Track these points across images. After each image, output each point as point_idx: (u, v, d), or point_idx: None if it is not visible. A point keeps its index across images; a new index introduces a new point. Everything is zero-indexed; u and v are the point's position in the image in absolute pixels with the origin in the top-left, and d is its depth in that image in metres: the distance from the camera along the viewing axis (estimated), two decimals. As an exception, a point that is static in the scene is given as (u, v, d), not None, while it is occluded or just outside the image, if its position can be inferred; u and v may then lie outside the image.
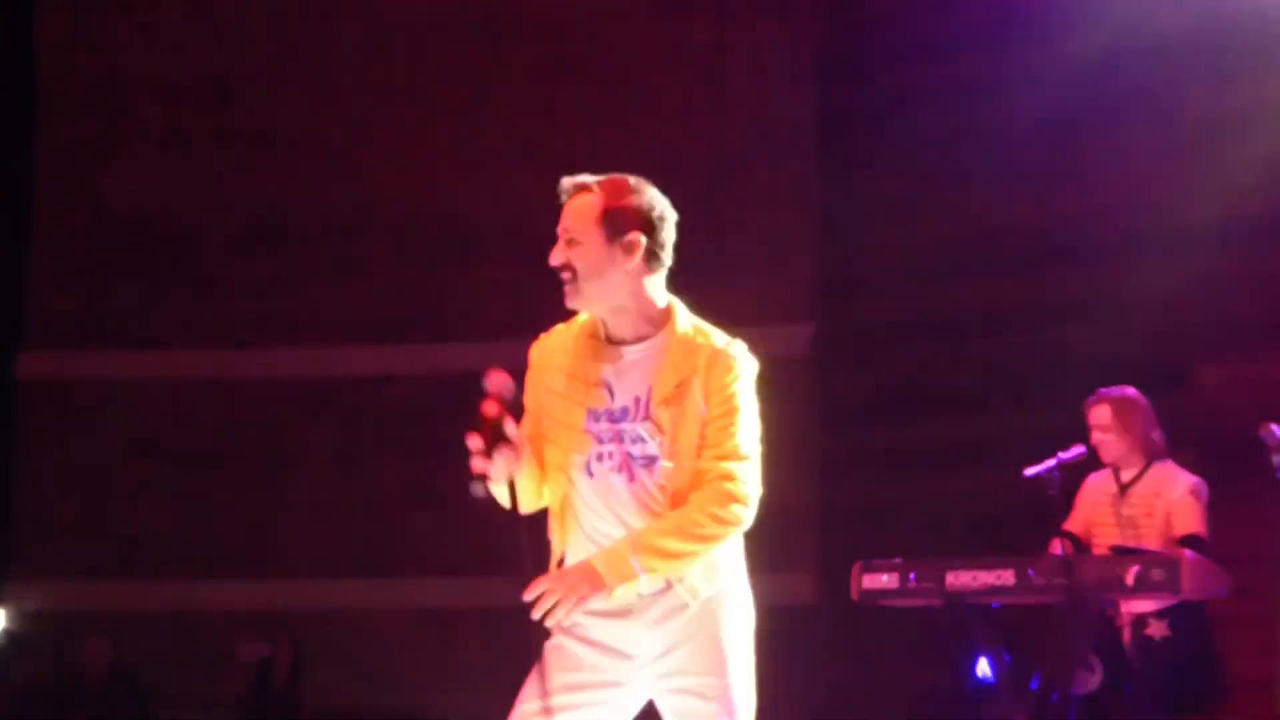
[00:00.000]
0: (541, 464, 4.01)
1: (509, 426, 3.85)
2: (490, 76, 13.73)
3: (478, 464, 3.81)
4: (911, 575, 7.27)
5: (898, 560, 7.35)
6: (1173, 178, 10.21)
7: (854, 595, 7.42)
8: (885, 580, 7.31)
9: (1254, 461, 6.98)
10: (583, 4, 13.68)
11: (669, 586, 3.98)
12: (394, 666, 13.10)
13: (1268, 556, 6.93)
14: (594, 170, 4.07)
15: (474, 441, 3.82)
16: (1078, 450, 7.55)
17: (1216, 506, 9.00)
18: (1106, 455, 7.64)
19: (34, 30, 14.11)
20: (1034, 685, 7.41)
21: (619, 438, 3.92)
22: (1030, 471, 7.63)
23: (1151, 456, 7.66)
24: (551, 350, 4.05)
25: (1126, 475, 7.66)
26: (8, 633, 13.10)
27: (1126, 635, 7.40)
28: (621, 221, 3.90)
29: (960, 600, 7.24)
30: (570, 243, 3.91)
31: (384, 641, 13.19)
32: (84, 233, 14.04)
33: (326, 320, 13.68)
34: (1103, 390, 7.71)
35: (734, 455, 3.92)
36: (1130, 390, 7.72)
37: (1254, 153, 9.94)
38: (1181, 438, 9.72)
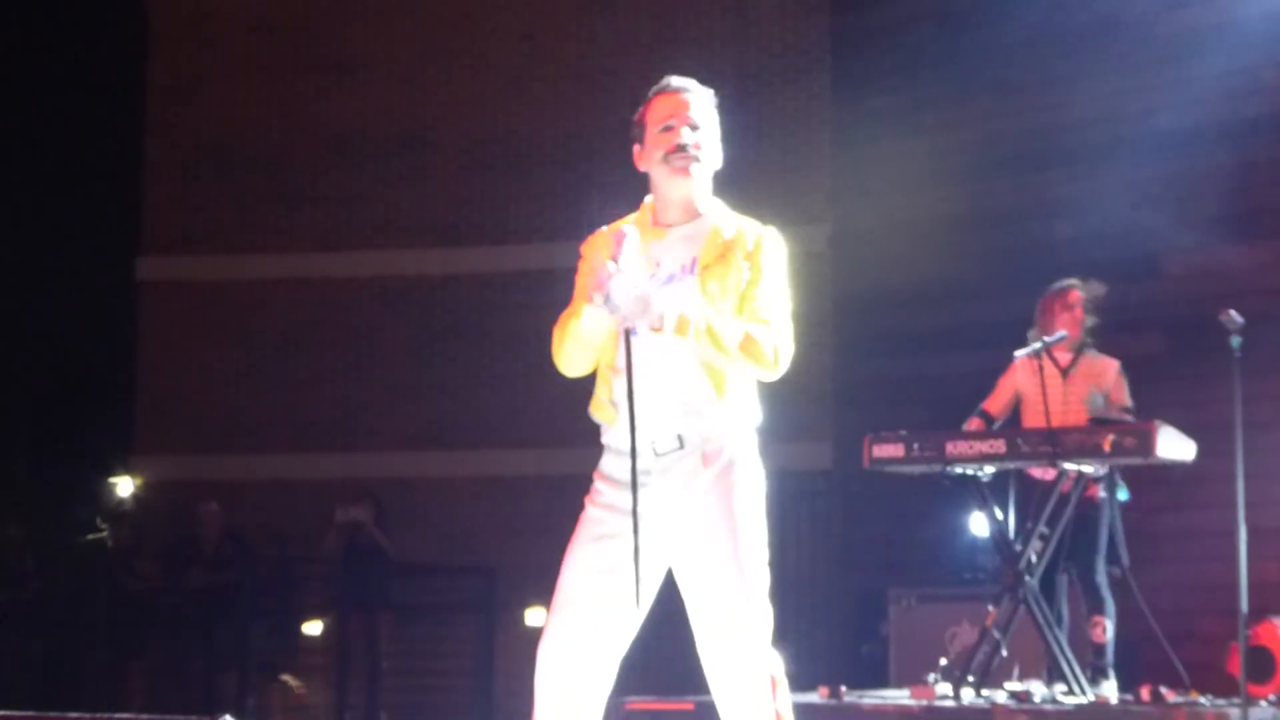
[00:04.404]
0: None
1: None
2: (541, 9, 13.61)
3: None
4: (915, 445, 7.25)
5: (903, 432, 7.32)
6: (1143, 90, 10.10)
7: (865, 463, 7.41)
8: (892, 449, 7.29)
9: (1215, 341, 6.94)
10: (623, -55, 13.53)
11: (682, 447, 3.89)
12: (465, 526, 13.17)
13: (1228, 422, 6.86)
14: (636, 90, 4.09)
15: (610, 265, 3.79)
16: (1059, 334, 7.49)
17: (1183, 379, 8.95)
18: (1075, 330, 7.55)
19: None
20: (1016, 540, 7.40)
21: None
22: (1020, 353, 7.57)
23: (1084, 345, 7.60)
24: (602, 244, 3.99)
25: (1064, 359, 7.57)
26: (135, 499, 13.18)
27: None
28: (717, 119, 4.05)
29: (958, 466, 7.22)
30: (696, 128, 3.99)
31: (456, 505, 13.25)
32: (190, 152, 14.01)
33: (400, 226, 13.64)
34: (1068, 280, 7.65)
35: (768, 312, 3.92)
36: None
37: (1211, 69, 9.82)
38: (1152, 320, 9.67)
